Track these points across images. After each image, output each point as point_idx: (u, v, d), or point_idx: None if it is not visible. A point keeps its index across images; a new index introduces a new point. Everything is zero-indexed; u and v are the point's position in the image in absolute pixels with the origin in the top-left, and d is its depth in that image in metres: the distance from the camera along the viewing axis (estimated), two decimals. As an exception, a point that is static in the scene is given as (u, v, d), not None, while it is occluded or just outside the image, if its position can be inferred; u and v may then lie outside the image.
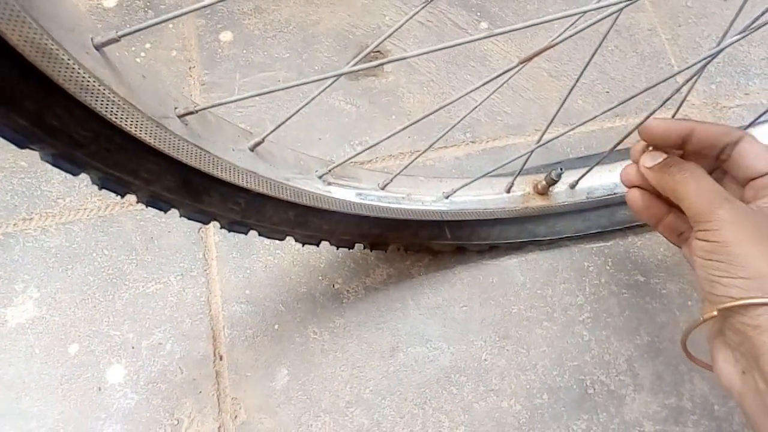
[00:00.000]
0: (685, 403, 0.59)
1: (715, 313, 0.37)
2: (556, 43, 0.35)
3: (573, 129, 0.49)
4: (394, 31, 0.37)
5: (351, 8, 0.79)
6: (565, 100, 0.47)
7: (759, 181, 0.42)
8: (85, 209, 0.66)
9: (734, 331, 0.37)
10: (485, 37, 0.32)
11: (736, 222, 0.38)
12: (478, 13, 0.78)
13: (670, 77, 0.44)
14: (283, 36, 0.76)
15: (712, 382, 0.60)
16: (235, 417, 0.58)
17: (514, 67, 0.36)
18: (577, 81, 0.45)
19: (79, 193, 0.66)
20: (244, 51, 0.75)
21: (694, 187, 0.41)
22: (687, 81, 0.43)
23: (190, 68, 0.74)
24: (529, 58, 0.36)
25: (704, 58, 0.41)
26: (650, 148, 0.45)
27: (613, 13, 0.33)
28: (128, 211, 0.66)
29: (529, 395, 0.59)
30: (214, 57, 0.75)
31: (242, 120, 0.71)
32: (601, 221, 0.64)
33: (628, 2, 0.31)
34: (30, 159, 0.68)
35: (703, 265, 0.39)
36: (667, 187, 0.43)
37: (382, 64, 0.34)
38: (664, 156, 0.44)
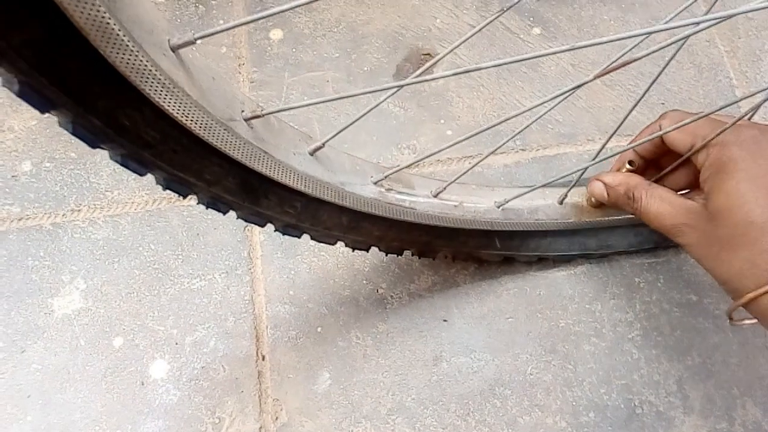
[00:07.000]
0: (737, 428, 0.57)
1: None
2: (636, 59, 0.34)
3: (634, 146, 0.48)
4: (461, 44, 0.36)
5: (401, 9, 0.78)
6: (626, 118, 0.45)
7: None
8: (132, 203, 0.66)
9: None
10: (567, 50, 0.31)
11: (692, 244, 0.43)
12: (531, 18, 0.77)
13: (733, 103, 0.42)
14: (332, 35, 0.76)
15: (765, 407, 0.58)
16: (276, 418, 0.57)
17: (589, 80, 0.35)
18: (639, 99, 0.43)
19: (127, 186, 0.67)
20: (294, 50, 0.75)
21: (651, 214, 0.45)
22: (750, 110, 0.41)
23: (239, 65, 0.74)
24: (606, 72, 0.35)
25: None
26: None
27: (700, 30, 0.32)
28: (175, 206, 0.66)
29: (575, 412, 0.57)
30: (263, 55, 0.75)
31: (289, 119, 0.70)
32: (654, 236, 0.62)
33: (719, 20, 0.29)
34: (80, 150, 0.68)
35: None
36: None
37: (456, 75, 0.33)
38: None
